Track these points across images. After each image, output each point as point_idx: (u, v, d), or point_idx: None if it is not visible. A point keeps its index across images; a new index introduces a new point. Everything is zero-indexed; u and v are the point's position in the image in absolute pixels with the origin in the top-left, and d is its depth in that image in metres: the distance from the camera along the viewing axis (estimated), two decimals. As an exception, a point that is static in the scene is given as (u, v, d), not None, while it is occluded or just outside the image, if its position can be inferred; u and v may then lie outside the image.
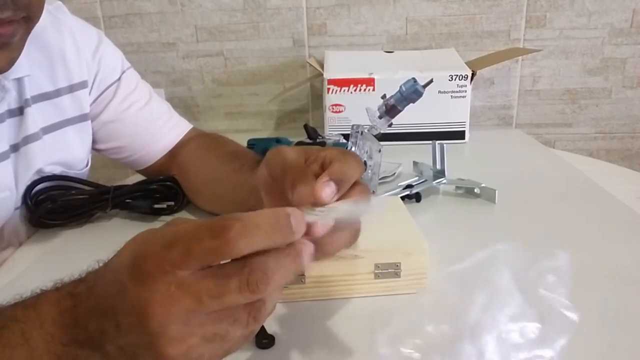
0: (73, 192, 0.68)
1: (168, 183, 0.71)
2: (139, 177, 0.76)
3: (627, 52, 1.12)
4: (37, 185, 0.66)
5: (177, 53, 1.16)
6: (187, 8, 1.13)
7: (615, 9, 1.09)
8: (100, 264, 0.34)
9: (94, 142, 0.75)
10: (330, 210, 0.36)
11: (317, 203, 0.36)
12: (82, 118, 0.70)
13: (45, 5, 0.62)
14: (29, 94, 0.63)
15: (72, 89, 0.68)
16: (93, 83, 0.71)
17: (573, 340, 0.42)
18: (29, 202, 0.65)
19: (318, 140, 0.83)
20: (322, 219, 0.34)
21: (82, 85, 0.69)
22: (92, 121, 0.73)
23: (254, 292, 0.29)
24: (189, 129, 0.79)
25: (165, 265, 0.29)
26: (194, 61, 1.17)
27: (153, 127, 0.75)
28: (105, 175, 1.26)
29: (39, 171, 0.65)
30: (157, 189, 0.71)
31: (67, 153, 0.69)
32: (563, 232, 0.62)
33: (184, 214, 0.70)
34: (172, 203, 0.70)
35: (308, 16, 1.13)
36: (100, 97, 0.72)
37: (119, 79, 0.73)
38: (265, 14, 1.13)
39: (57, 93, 0.67)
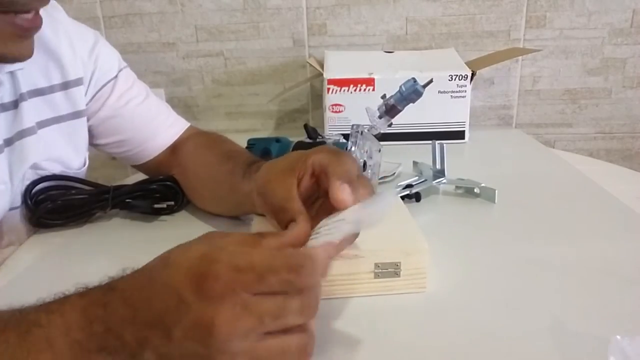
0: (73, 191, 0.68)
1: (168, 183, 0.71)
2: (139, 177, 0.76)
3: (627, 52, 1.12)
4: (37, 185, 0.66)
5: (177, 53, 1.16)
6: (187, 8, 1.13)
7: (615, 9, 1.09)
8: (129, 272, 0.35)
9: (93, 137, 0.75)
10: (340, 221, 0.38)
11: (340, 207, 0.40)
12: (76, 115, 0.70)
13: None
14: (24, 88, 0.63)
15: (66, 86, 0.67)
16: (90, 81, 0.71)
17: (573, 340, 0.42)
18: (29, 202, 0.65)
19: (318, 140, 0.83)
20: (333, 235, 0.37)
21: (77, 82, 0.69)
22: (90, 118, 0.72)
23: (309, 315, 0.34)
24: (187, 126, 0.79)
25: (237, 287, 0.32)
26: (194, 61, 1.17)
27: (152, 123, 0.75)
28: (105, 175, 1.26)
29: (34, 166, 0.65)
30: (157, 189, 0.71)
31: (62, 149, 0.69)
32: (563, 232, 0.62)
33: (183, 214, 0.70)
34: (172, 203, 0.70)
35: (308, 16, 1.13)
36: (97, 94, 0.72)
37: (116, 76, 0.73)
38: (265, 14, 1.13)
39: (51, 89, 0.66)
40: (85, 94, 0.71)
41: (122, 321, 0.33)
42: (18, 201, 0.65)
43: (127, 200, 0.69)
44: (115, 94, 0.73)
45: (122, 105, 0.74)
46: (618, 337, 0.35)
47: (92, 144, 0.76)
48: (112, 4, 1.13)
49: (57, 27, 0.67)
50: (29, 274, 0.57)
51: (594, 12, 1.09)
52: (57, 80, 0.67)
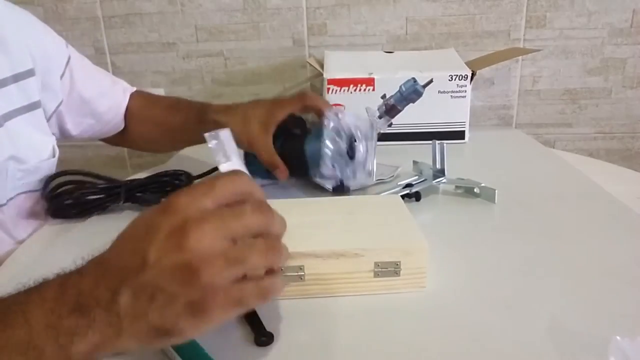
0: (87, 185, 0.70)
1: (180, 176, 0.73)
2: (139, 175, 0.76)
3: (627, 52, 1.12)
4: (54, 179, 0.70)
5: (177, 53, 1.16)
6: (187, 8, 1.13)
7: (615, 9, 1.09)
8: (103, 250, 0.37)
9: (64, 130, 0.77)
10: None
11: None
12: (31, 107, 0.68)
13: None
14: None
15: (16, 78, 0.66)
16: (48, 73, 0.71)
17: (573, 340, 0.42)
18: (46, 195, 0.69)
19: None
20: None
21: (29, 73, 0.67)
22: (60, 106, 0.74)
23: (263, 213, 0.37)
24: (133, 89, 0.86)
25: (198, 199, 0.35)
26: (194, 61, 1.17)
27: (114, 93, 0.82)
28: (105, 174, 1.26)
29: (13, 157, 0.65)
30: (167, 182, 0.73)
31: (30, 139, 0.68)
32: (563, 232, 0.62)
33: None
34: None
35: (308, 16, 1.13)
36: (61, 82, 0.73)
37: (68, 62, 0.74)
38: (265, 14, 1.13)
39: (3, 83, 0.64)
40: (44, 86, 0.70)
41: (94, 279, 0.34)
42: (4, 198, 0.66)
43: (138, 194, 0.71)
44: (76, 80, 0.75)
45: (84, 89, 0.76)
46: (618, 337, 0.35)
47: (64, 137, 0.79)
48: (112, 4, 1.13)
49: None
50: (32, 271, 0.57)
51: (594, 12, 1.09)
52: (7, 73, 0.65)
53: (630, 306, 0.47)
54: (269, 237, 0.37)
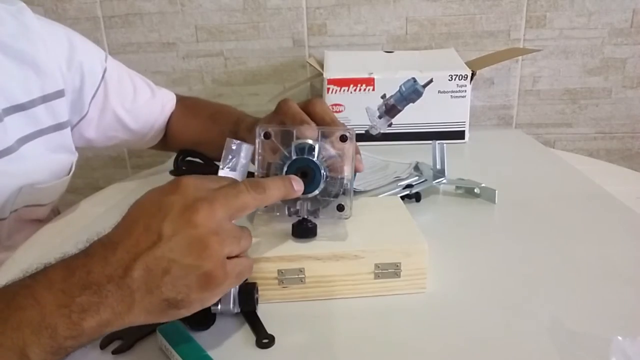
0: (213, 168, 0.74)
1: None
2: (139, 175, 0.76)
3: (627, 52, 1.12)
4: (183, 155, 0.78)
5: (177, 53, 1.16)
6: (187, 8, 1.13)
7: (615, 9, 1.09)
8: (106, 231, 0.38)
9: (92, 141, 0.76)
10: None
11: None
12: (58, 127, 0.68)
13: (6, 7, 0.62)
14: (2, 105, 0.60)
15: (45, 99, 0.65)
16: (80, 91, 0.70)
17: (573, 340, 0.42)
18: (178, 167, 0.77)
19: None
20: None
21: (58, 94, 0.66)
22: (90, 124, 0.73)
23: (257, 190, 0.41)
24: (174, 101, 0.84)
25: (202, 178, 0.40)
26: (194, 61, 1.17)
27: (150, 116, 0.80)
28: (105, 175, 1.26)
29: (19, 187, 0.63)
30: None
31: (46, 164, 0.67)
32: (563, 232, 0.62)
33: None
34: None
35: (308, 16, 1.13)
36: (93, 100, 0.72)
37: (103, 77, 0.73)
38: (265, 14, 1.13)
39: (32, 104, 0.63)
40: (74, 104, 0.70)
41: (103, 258, 0.36)
42: (7, 212, 0.65)
43: None
44: (110, 96, 0.74)
45: (118, 106, 0.75)
46: (619, 337, 0.35)
47: (93, 147, 0.78)
48: (112, 4, 1.13)
49: (29, 36, 0.63)
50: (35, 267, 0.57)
51: (594, 12, 1.09)
52: (37, 94, 0.64)
53: (630, 306, 0.47)
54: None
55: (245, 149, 0.47)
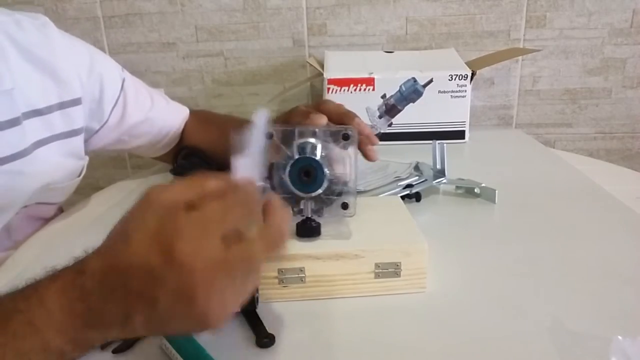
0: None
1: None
2: (139, 175, 0.76)
3: (627, 52, 1.12)
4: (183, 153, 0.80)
5: (177, 53, 1.16)
6: (187, 8, 1.13)
7: (615, 9, 1.09)
8: (90, 252, 0.35)
9: (110, 145, 0.78)
10: None
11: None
12: (71, 134, 0.69)
13: (32, 20, 0.65)
14: (20, 110, 0.61)
15: (62, 106, 0.67)
16: (99, 101, 0.72)
17: (573, 340, 0.42)
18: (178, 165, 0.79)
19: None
20: None
21: (75, 102, 0.68)
22: (111, 133, 0.76)
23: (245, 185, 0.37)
24: (188, 111, 0.88)
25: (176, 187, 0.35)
26: (194, 61, 1.17)
27: (165, 124, 0.83)
28: (105, 175, 1.26)
29: (31, 189, 0.64)
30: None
31: (58, 167, 0.68)
32: (563, 232, 0.62)
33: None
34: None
35: (308, 16, 1.13)
36: (113, 110, 0.74)
37: (122, 88, 0.76)
38: (265, 14, 1.13)
39: (49, 110, 0.65)
40: (92, 112, 0.72)
41: (102, 300, 0.33)
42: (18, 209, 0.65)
43: None
44: (129, 105, 0.76)
45: (135, 116, 0.78)
46: (620, 337, 0.35)
47: (110, 150, 0.81)
48: (112, 4, 1.13)
49: (51, 46, 0.65)
50: (35, 267, 0.57)
51: (594, 12, 1.09)
52: (55, 100, 0.66)
53: (630, 306, 0.47)
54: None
55: (257, 128, 0.43)
